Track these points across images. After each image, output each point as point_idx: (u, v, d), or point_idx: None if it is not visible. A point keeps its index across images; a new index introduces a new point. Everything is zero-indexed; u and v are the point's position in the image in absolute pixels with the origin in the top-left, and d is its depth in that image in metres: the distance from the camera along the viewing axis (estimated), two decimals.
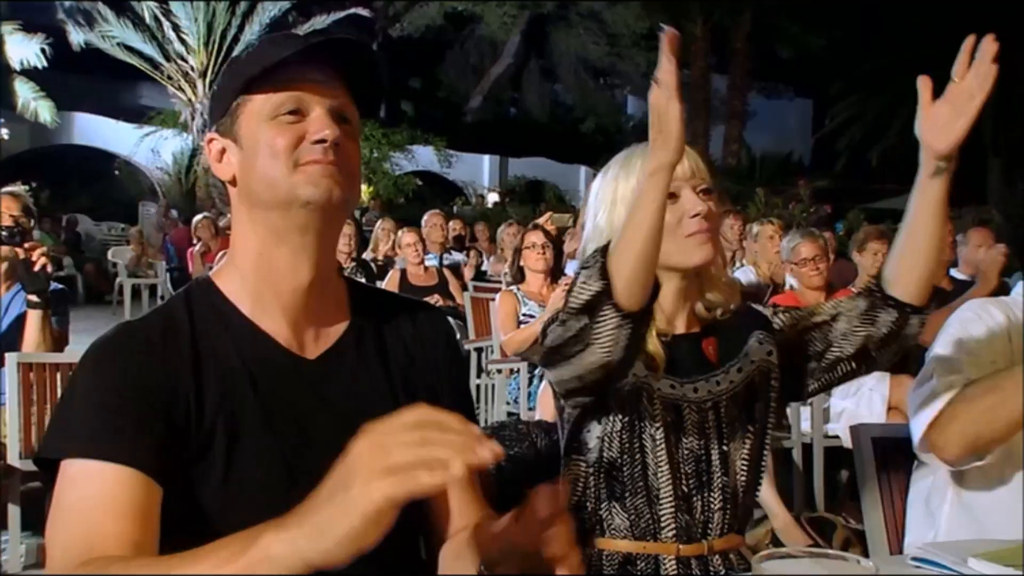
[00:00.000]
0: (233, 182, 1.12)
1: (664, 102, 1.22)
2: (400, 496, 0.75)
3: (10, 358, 2.62)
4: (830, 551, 0.94)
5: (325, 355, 1.15)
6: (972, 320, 1.65)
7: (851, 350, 1.48)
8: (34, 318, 2.90)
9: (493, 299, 4.53)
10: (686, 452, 1.45)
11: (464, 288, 5.44)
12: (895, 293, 1.41)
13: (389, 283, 5.21)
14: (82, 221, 14.12)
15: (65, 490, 1.01)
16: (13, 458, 2.60)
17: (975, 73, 1.29)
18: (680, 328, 1.53)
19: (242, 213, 1.13)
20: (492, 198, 17.91)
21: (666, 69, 1.20)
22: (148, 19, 15.25)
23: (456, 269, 6.03)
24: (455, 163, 18.72)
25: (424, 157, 17.79)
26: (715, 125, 18.60)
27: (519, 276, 4.60)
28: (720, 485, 1.47)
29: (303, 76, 1.07)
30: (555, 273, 4.56)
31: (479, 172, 19.88)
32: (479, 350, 4.62)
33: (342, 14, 16.03)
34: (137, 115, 17.37)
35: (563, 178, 19.89)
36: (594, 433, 1.47)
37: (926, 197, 1.38)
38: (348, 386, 1.14)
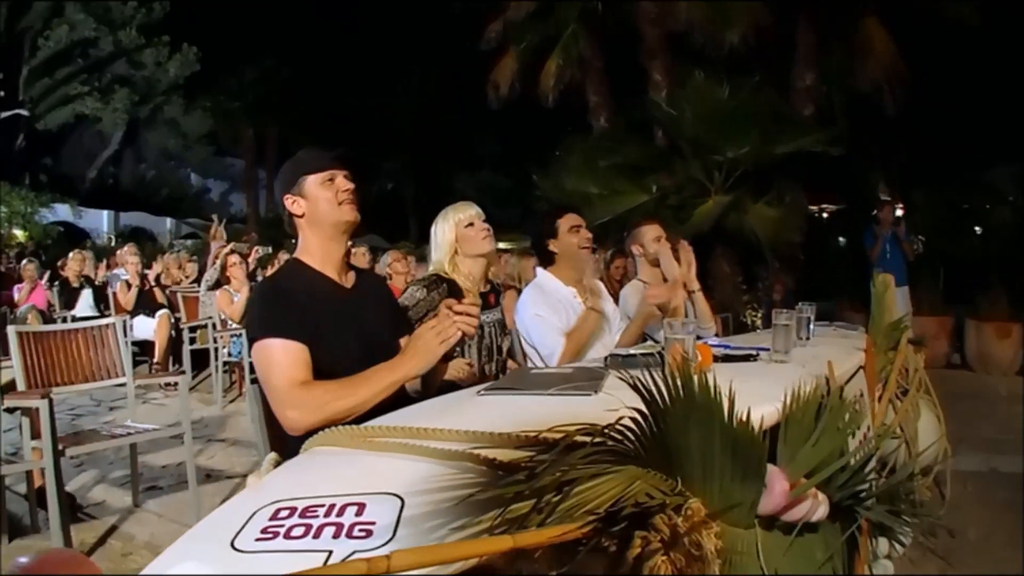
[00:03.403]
0: (302, 216, 1.77)
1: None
2: (445, 349, 1.56)
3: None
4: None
5: (353, 287, 1.84)
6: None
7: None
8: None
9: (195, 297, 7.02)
10: (487, 341, 2.57)
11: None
12: None
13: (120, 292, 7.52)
14: None
15: (267, 356, 1.55)
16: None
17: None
18: (481, 287, 2.54)
19: (310, 229, 1.77)
20: (111, 240, 19.33)
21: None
22: None
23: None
24: (83, 216, 20.31)
25: (62, 212, 19.15)
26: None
27: (225, 280, 6.32)
28: (494, 351, 2.63)
29: (329, 165, 1.78)
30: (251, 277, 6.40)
31: (100, 222, 21.29)
32: (192, 328, 6.64)
33: (8, 114, 18.83)
34: None
35: (156, 224, 22.11)
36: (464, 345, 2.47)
37: None
38: (364, 301, 1.83)
